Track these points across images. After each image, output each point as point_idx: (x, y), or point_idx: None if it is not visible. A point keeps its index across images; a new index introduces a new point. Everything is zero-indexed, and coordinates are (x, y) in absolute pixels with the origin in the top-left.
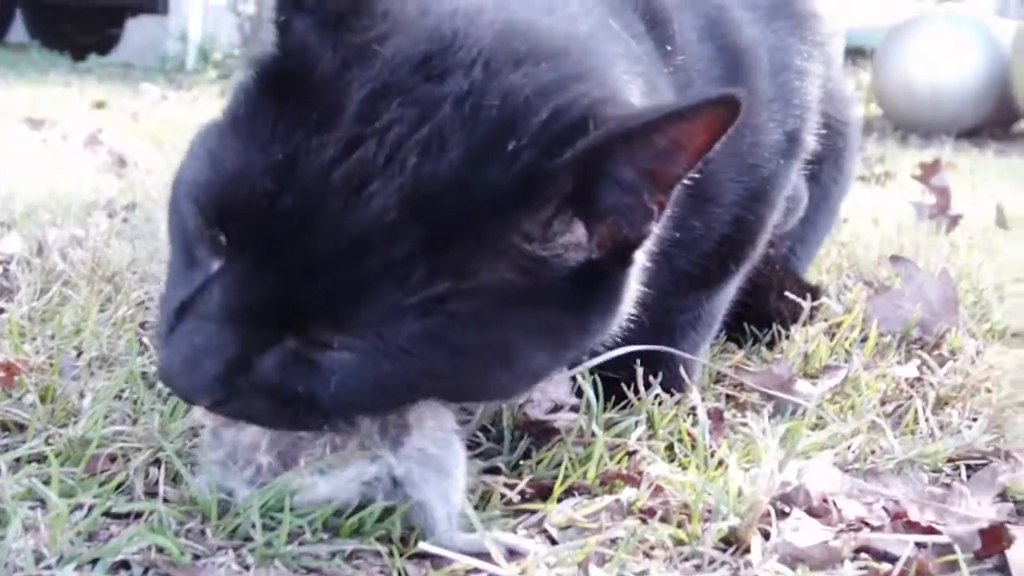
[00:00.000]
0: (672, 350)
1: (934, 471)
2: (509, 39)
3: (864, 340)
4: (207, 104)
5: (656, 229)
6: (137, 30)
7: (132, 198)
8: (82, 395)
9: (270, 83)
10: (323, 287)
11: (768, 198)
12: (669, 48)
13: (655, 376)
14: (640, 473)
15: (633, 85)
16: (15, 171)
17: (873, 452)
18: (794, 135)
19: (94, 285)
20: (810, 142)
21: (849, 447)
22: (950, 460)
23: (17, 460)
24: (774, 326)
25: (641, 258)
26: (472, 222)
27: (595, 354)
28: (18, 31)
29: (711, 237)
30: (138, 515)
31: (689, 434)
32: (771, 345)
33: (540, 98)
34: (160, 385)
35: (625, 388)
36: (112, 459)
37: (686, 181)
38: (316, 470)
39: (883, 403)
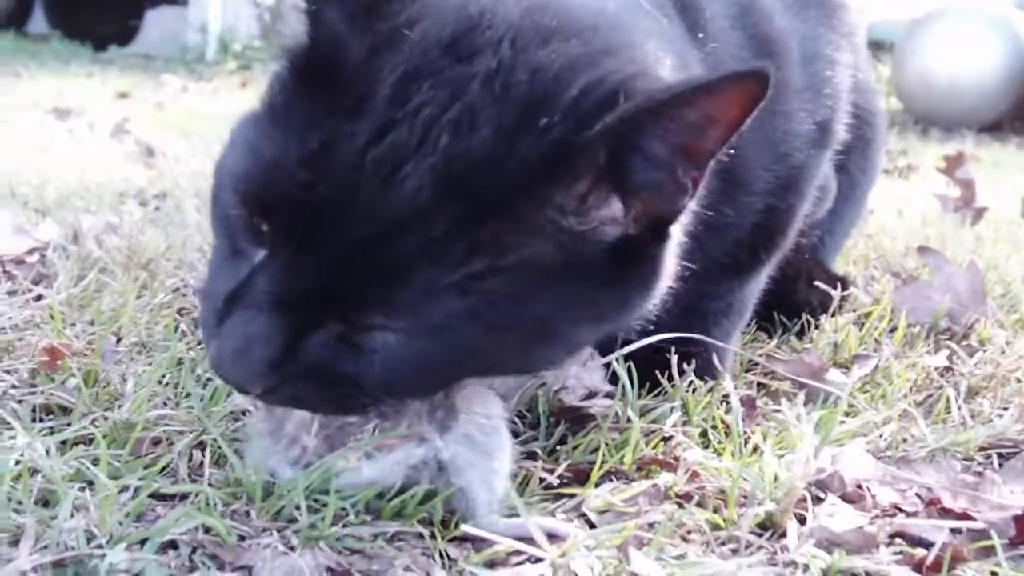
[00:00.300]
0: (704, 337)
1: (966, 459)
2: (538, 16)
3: (893, 330)
4: (228, 95)
5: (691, 204)
6: (157, 21)
7: (162, 187)
8: (124, 379)
9: (303, 73)
10: (363, 271)
11: (799, 188)
12: (700, 35)
13: (688, 363)
14: (676, 459)
15: (665, 61)
16: (45, 160)
17: (905, 440)
18: (825, 125)
19: (130, 272)
20: (840, 132)
21: (881, 435)
22: (982, 449)
23: (63, 442)
24: (804, 316)
25: (677, 233)
26: (507, 198)
27: (627, 342)
28: (38, 22)
29: (743, 226)
30: (183, 497)
31: (723, 421)
32: (801, 335)
33: (570, 73)
34: (200, 370)
35: (659, 375)
36: (156, 442)
37: (718, 163)
38: (362, 453)
39: (914, 392)
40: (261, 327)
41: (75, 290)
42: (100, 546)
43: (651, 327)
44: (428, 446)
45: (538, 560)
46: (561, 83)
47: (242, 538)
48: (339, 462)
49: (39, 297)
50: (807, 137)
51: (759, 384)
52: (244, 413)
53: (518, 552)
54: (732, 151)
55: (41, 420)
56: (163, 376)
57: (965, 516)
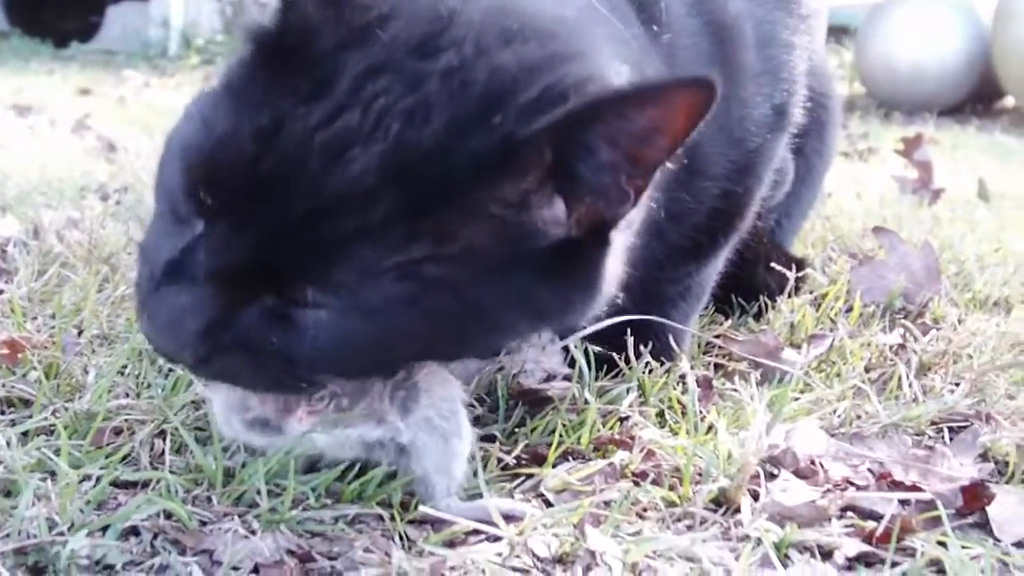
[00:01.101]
0: (662, 319)
1: (917, 434)
2: (501, 19)
3: (849, 310)
4: (190, 89)
5: (633, 212)
6: (118, 17)
7: (124, 182)
8: (86, 371)
9: (267, 55)
10: (300, 246)
11: (756, 172)
12: (655, 27)
13: (645, 346)
14: (632, 438)
15: (619, 67)
16: (5, 157)
17: (858, 417)
18: (781, 108)
19: (91, 266)
20: (798, 115)
21: (835, 412)
22: (933, 424)
23: (24, 433)
24: (761, 298)
25: (619, 239)
26: (452, 188)
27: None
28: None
29: (700, 211)
30: (145, 485)
31: (679, 402)
32: (758, 316)
33: (527, 75)
34: (161, 361)
35: (616, 358)
36: (117, 432)
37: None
38: (317, 425)
39: (867, 370)
40: (195, 298)
41: (36, 284)
42: (62, 534)
43: (609, 311)
44: (387, 427)
45: (496, 539)
46: (518, 84)
47: (203, 523)
48: (292, 426)
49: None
50: (764, 121)
51: (716, 365)
52: (204, 402)
53: (476, 532)
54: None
55: (2, 413)
56: (124, 367)
57: (915, 488)
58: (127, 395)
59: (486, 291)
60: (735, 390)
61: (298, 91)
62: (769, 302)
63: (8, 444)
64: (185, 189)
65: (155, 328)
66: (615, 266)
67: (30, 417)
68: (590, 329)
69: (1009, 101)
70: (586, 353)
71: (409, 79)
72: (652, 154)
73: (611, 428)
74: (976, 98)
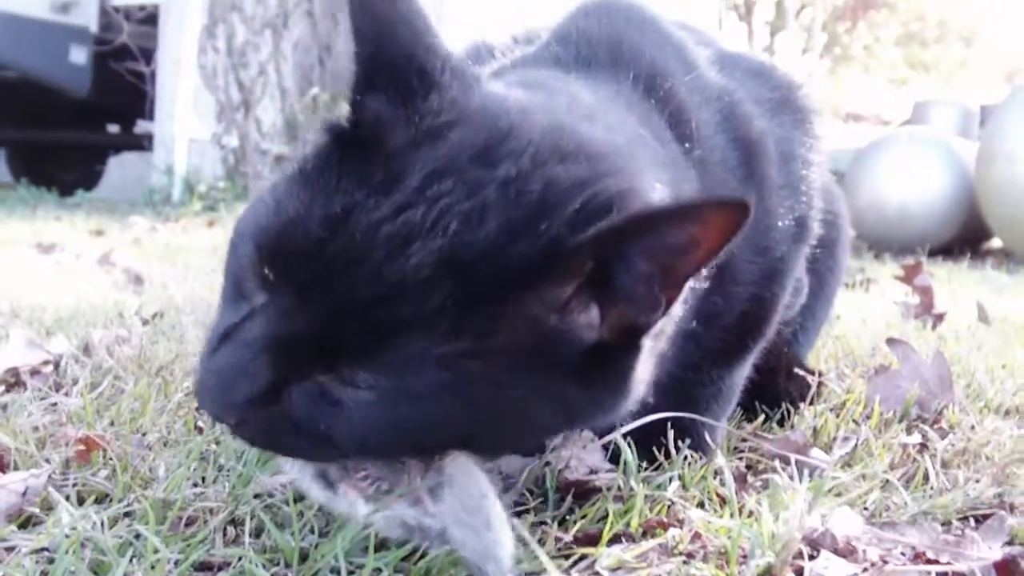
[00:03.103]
0: (697, 416)
1: (945, 523)
2: (556, 137)
3: (868, 417)
4: (196, 233)
5: (664, 320)
6: (119, 166)
7: (157, 308)
8: (152, 469)
9: (342, 147)
10: (357, 327)
11: (781, 278)
12: (688, 145)
13: (683, 441)
14: (680, 520)
15: (659, 185)
16: (38, 288)
17: (888, 508)
18: (802, 220)
19: (143, 379)
20: (816, 227)
21: (865, 505)
22: (960, 517)
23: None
24: (784, 405)
25: (648, 345)
26: (499, 287)
27: (623, 423)
28: (2, 172)
29: (731, 314)
30: (223, 566)
31: (718, 494)
32: (781, 423)
33: (577, 189)
34: (223, 460)
35: (656, 452)
36: (191, 522)
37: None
38: (363, 500)
39: (892, 467)
40: (248, 363)
41: (91, 396)
42: None
43: (646, 410)
44: (419, 509)
45: None
46: (568, 196)
47: None
48: (342, 501)
49: (55, 405)
50: (787, 232)
51: (747, 464)
52: (271, 495)
53: None
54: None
55: (80, 505)
56: (191, 466)
57: (949, 564)
58: (196, 485)
59: (520, 388)
60: (769, 480)
61: (369, 182)
62: (792, 408)
63: (93, 527)
64: (253, 266)
65: (205, 386)
66: (645, 370)
67: (110, 504)
68: (630, 426)
69: (996, 242)
70: (628, 448)
71: (471, 184)
72: (686, 266)
73: (658, 512)
74: (964, 239)
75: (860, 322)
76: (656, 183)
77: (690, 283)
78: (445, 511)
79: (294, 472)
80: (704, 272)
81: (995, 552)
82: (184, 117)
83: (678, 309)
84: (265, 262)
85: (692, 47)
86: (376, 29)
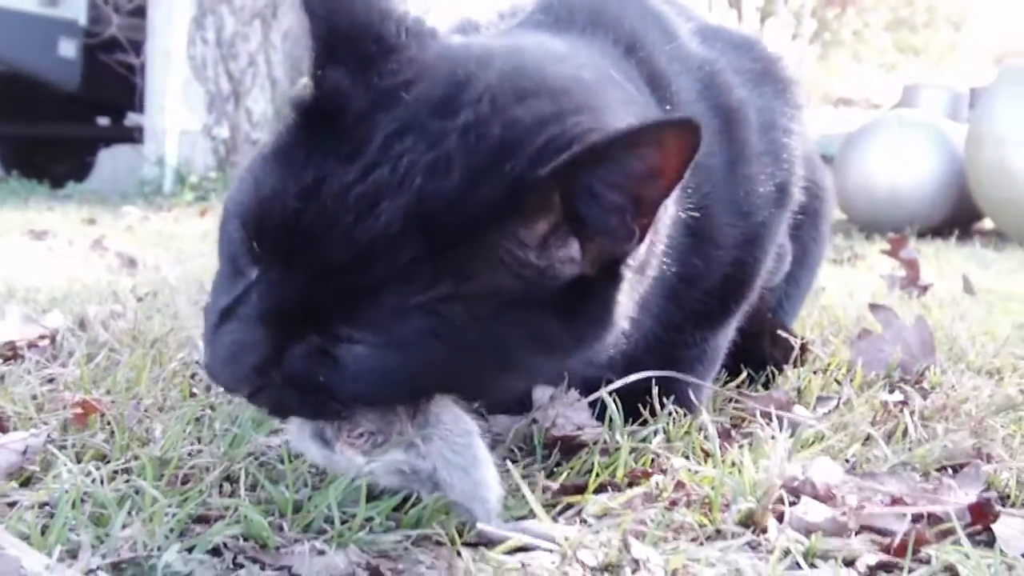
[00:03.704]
0: (681, 375)
1: (924, 474)
2: (516, 78)
3: (852, 380)
4: (188, 223)
5: (642, 250)
6: (110, 158)
7: (150, 288)
8: (149, 429)
9: (308, 121)
10: (339, 290)
11: (762, 243)
12: (668, 108)
13: (667, 398)
14: (664, 470)
15: (628, 121)
16: (32, 271)
17: (868, 461)
18: (783, 187)
19: (138, 350)
20: (797, 194)
21: (846, 459)
22: (938, 468)
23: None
24: (768, 368)
25: (629, 276)
26: (470, 232)
27: (610, 382)
28: None
29: (713, 276)
30: (219, 518)
31: (702, 448)
32: (766, 385)
33: (539, 127)
34: (218, 423)
35: (641, 409)
36: (186, 480)
37: (690, 219)
38: (360, 455)
39: (874, 423)
40: (249, 336)
41: (88, 367)
42: (151, 554)
43: (632, 369)
44: (412, 453)
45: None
46: (530, 135)
47: (277, 548)
48: (340, 458)
49: (51, 379)
50: (768, 198)
51: (732, 421)
52: (264, 453)
53: (524, 550)
54: (701, 210)
55: (80, 463)
56: (185, 428)
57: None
58: (192, 446)
59: (505, 326)
60: (752, 434)
61: (336, 151)
62: (776, 371)
63: (93, 482)
64: (243, 242)
65: (214, 363)
66: (626, 302)
67: (108, 462)
68: (616, 384)
69: (987, 223)
70: (613, 404)
71: (432, 136)
72: (652, 193)
73: (643, 464)
74: (954, 221)
75: (846, 294)
76: (623, 117)
77: (663, 214)
78: (433, 452)
79: (293, 433)
80: (672, 204)
81: (971, 497)
82: (174, 109)
83: (660, 244)
84: (253, 238)
85: (674, 18)
86: (326, 3)
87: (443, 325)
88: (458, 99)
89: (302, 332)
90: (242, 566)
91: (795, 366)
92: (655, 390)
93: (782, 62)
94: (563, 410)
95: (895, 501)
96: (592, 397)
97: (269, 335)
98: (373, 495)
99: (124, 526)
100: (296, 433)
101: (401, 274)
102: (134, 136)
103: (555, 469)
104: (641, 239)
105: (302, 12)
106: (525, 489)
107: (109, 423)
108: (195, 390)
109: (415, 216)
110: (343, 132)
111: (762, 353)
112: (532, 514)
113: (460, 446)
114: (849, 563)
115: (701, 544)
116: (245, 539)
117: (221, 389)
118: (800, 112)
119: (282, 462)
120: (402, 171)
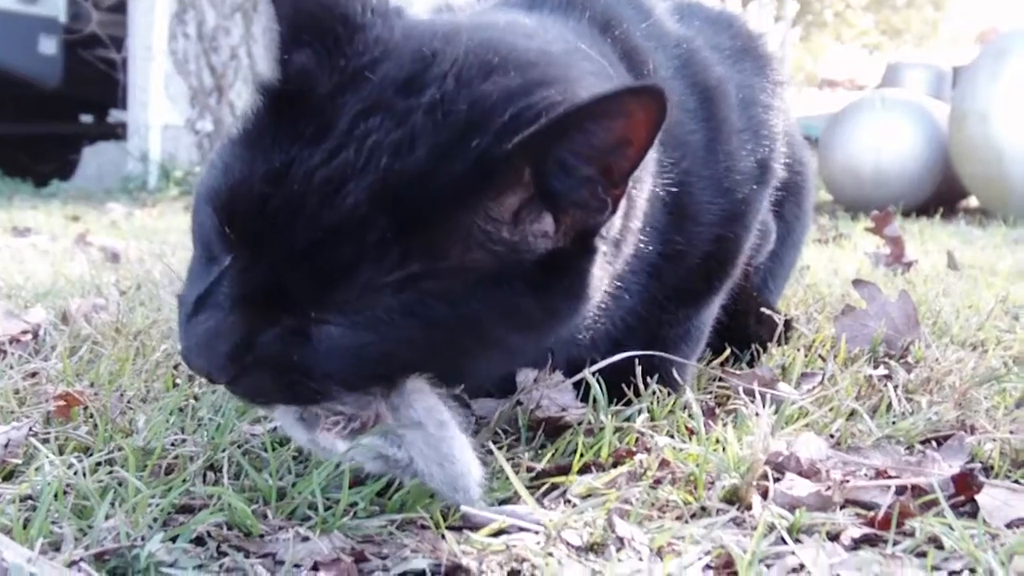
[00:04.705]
0: (666, 354)
1: (908, 447)
2: (482, 53)
3: (836, 356)
4: (173, 218)
5: (616, 221)
6: (94, 155)
7: (134, 281)
8: (132, 421)
9: (275, 105)
10: (308, 272)
11: (744, 220)
12: None
13: (651, 377)
14: (648, 449)
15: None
16: (15, 267)
17: (853, 435)
18: (764, 163)
19: (121, 343)
20: (779, 170)
21: (831, 434)
22: (922, 440)
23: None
24: (753, 346)
25: (603, 249)
26: (439, 208)
27: (594, 362)
28: None
29: (695, 254)
30: (204, 507)
31: (687, 427)
32: (751, 363)
33: (506, 101)
34: (202, 413)
35: (625, 388)
36: (170, 470)
37: (668, 196)
38: (340, 438)
39: (858, 398)
40: (222, 322)
41: (71, 360)
42: (135, 544)
43: (616, 350)
44: (391, 439)
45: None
46: (496, 110)
47: (261, 535)
48: (322, 437)
49: (34, 374)
50: (749, 174)
51: (716, 399)
52: (247, 441)
53: (508, 531)
54: (680, 187)
55: (62, 454)
56: (169, 418)
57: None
58: (175, 436)
59: (479, 302)
60: (736, 411)
61: (303, 135)
62: (760, 349)
63: (76, 474)
64: (214, 228)
65: (190, 352)
66: (600, 275)
67: (91, 454)
68: (600, 364)
69: (972, 201)
70: (597, 384)
71: (398, 115)
72: (621, 163)
73: (627, 443)
74: (939, 199)
75: (831, 272)
76: (593, 90)
77: (640, 189)
78: (410, 444)
79: (279, 418)
80: (647, 178)
81: (954, 469)
82: (157, 104)
83: (637, 220)
84: (224, 223)
85: None
86: None
87: (416, 303)
88: (424, 76)
89: (275, 315)
90: (226, 554)
91: (779, 344)
92: (639, 370)
93: (762, 39)
94: (547, 392)
95: (879, 474)
96: (576, 378)
97: (241, 320)
98: (357, 480)
99: (107, 517)
100: (281, 417)
101: (370, 254)
102: (118, 133)
103: (539, 451)
104: (614, 210)
105: None
106: (509, 471)
107: (92, 415)
108: (178, 380)
109: (381, 196)
110: (310, 115)
111: (747, 331)
112: (517, 496)
113: (435, 439)
114: (833, 537)
115: (686, 522)
116: (229, 527)
117: (203, 379)
118: (780, 88)
119: (266, 450)
120: (367, 152)
